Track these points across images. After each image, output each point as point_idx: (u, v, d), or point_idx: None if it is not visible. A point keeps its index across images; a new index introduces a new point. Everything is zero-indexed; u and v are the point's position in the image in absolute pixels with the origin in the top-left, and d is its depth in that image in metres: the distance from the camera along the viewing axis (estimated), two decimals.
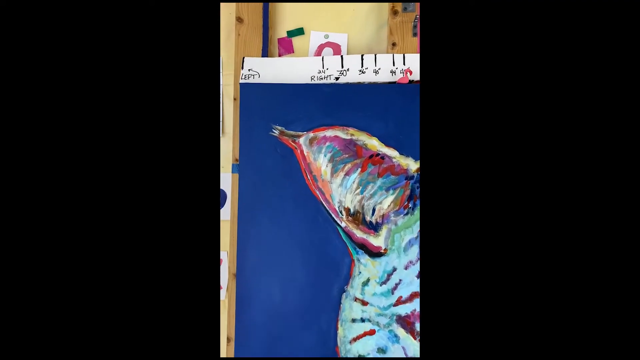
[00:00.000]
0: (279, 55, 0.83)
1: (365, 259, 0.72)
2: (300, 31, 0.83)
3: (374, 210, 0.72)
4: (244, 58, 0.79)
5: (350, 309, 0.72)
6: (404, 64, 0.77)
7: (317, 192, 0.73)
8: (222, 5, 0.83)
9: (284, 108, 0.75)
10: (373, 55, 0.78)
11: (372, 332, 0.72)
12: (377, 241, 0.72)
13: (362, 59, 0.78)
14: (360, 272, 0.72)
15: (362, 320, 0.72)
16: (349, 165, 0.73)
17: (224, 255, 0.82)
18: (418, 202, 0.72)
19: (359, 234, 0.73)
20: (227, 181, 0.82)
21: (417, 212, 0.72)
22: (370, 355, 0.72)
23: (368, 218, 0.72)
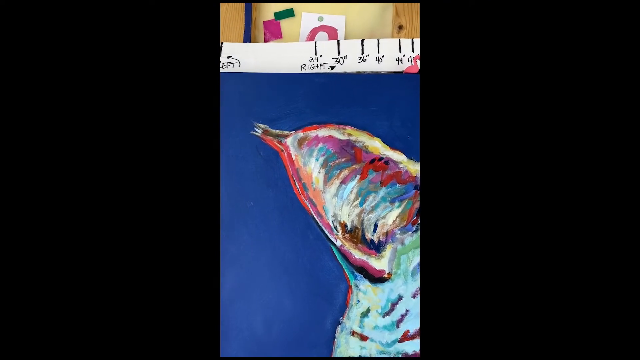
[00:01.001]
0: (265, 41, 0.73)
1: (364, 285, 0.64)
2: (289, 13, 0.74)
3: (375, 226, 0.64)
4: (222, 43, 0.69)
5: (346, 344, 0.63)
6: (413, 50, 0.69)
7: (307, 204, 0.65)
8: None
9: (268, 102, 0.66)
10: (376, 40, 0.69)
11: None
12: (379, 264, 0.63)
13: (362, 45, 0.69)
14: (358, 301, 0.64)
15: (361, 358, 0.63)
16: (345, 172, 0.65)
17: None
18: None
19: (357, 254, 0.64)
20: None
21: None
22: None
23: (369, 236, 0.64)
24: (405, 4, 0.69)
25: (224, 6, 0.70)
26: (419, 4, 0.69)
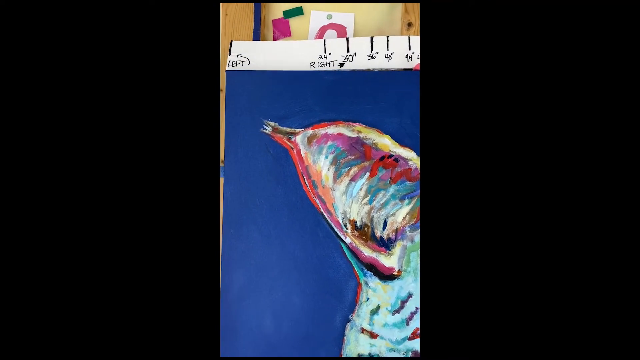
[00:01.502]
0: (274, 39, 0.72)
1: (374, 282, 0.62)
2: (298, 11, 0.73)
3: (385, 223, 0.62)
4: (231, 42, 0.69)
5: (356, 342, 0.62)
6: None
7: (317, 201, 0.64)
8: None
9: (278, 100, 0.65)
10: (385, 38, 0.67)
11: None
12: (389, 261, 0.62)
13: (371, 42, 0.68)
14: (368, 299, 0.62)
15: (371, 355, 0.62)
16: (355, 169, 0.63)
17: None
18: None
19: (367, 252, 0.62)
20: None
21: None
22: None
23: (378, 233, 0.63)
24: (415, 2, 0.69)
25: (233, 5, 0.70)
26: (419, 3, 0.68)
